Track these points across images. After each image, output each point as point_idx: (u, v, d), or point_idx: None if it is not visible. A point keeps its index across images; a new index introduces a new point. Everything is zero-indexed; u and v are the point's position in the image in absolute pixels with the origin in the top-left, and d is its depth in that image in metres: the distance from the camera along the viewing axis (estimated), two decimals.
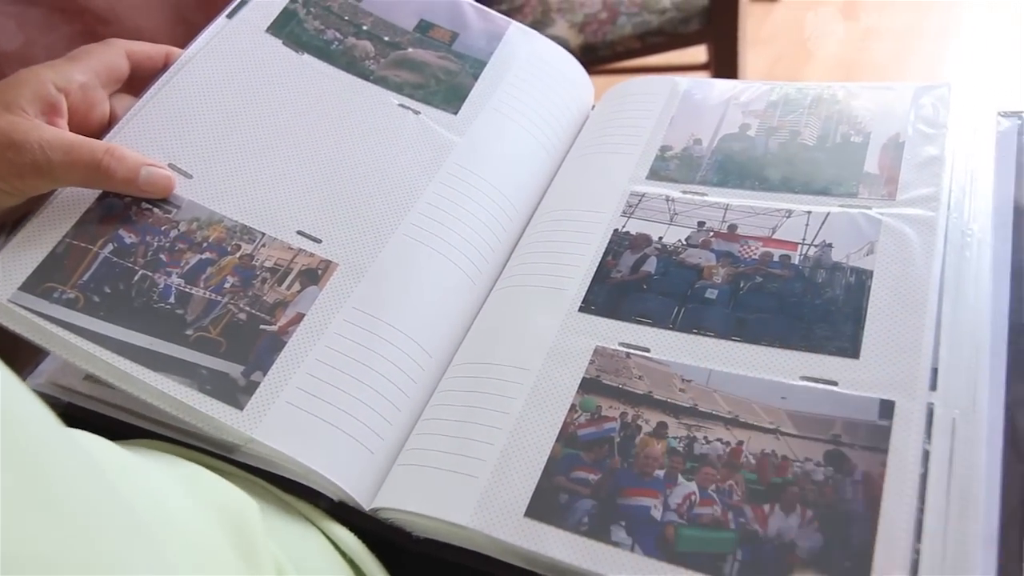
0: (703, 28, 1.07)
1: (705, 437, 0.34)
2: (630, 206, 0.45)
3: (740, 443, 0.33)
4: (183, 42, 0.47)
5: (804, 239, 0.41)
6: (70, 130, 0.39)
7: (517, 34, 0.53)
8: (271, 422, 0.36)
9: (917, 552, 0.28)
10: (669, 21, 1.05)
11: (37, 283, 0.37)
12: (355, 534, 0.36)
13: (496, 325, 0.42)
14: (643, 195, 0.45)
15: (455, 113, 0.48)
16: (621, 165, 0.48)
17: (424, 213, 0.44)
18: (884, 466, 0.31)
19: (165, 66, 0.45)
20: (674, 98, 0.51)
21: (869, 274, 0.37)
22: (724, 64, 1.10)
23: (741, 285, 0.39)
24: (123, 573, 0.19)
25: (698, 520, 0.31)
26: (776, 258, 0.40)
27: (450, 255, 0.43)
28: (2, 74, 0.51)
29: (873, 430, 0.32)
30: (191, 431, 0.37)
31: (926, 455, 0.31)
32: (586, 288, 0.41)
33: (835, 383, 0.34)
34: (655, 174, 0.46)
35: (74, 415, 0.39)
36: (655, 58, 1.19)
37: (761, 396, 0.34)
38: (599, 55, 1.09)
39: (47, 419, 0.20)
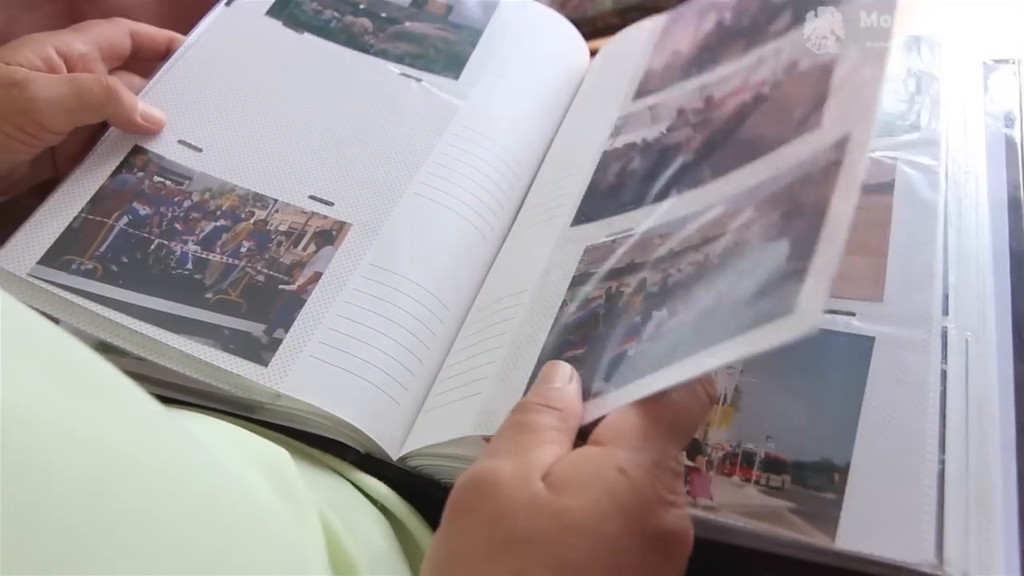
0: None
1: (678, 269, 0.34)
2: (617, 128, 0.46)
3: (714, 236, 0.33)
4: (170, 20, 0.47)
5: None
6: None
7: (511, 1, 0.53)
8: (296, 376, 0.36)
9: (942, 463, 0.29)
10: None
11: (55, 257, 0.37)
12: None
13: (503, 270, 0.43)
14: (628, 115, 0.46)
15: (456, 78, 0.49)
16: (611, 102, 0.49)
17: (433, 172, 0.44)
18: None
19: (168, 52, 0.45)
20: (655, 31, 0.53)
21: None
22: None
23: (715, 139, 0.39)
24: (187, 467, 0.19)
25: (660, 337, 0.31)
26: (749, 99, 0.40)
27: (460, 211, 0.44)
28: None
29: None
30: (212, 395, 0.38)
31: (943, 375, 0.32)
32: (577, 206, 0.42)
33: None
34: (640, 93, 0.47)
35: None
36: None
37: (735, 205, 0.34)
38: (580, 31, 1.09)
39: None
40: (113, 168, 0.41)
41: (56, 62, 0.39)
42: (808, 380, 0.33)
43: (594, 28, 1.16)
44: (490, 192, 0.45)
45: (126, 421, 0.18)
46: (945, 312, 0.34)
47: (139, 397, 0.19)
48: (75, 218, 0.39)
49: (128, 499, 0.16)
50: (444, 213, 0.43)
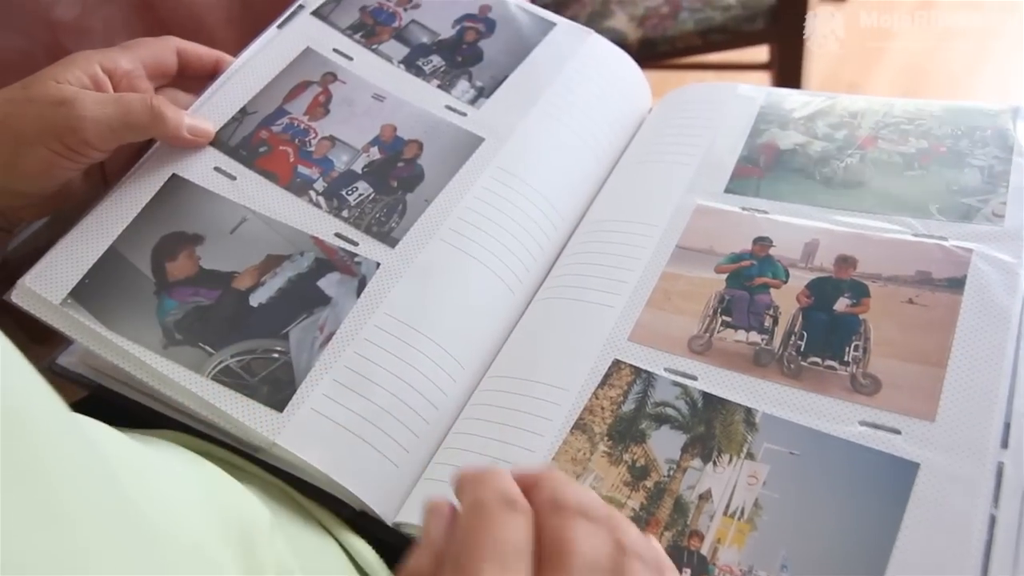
0: (768, 27, 1.02)
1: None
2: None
3: None
4: (239, 19, 0.46)
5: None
6: None
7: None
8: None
9: None
10: (733, 19, 1.01)
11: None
12: (377, 543, 0.35)
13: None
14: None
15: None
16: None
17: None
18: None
19: (215, 72, 0.45)
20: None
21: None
22: (788, 66, 1.06)
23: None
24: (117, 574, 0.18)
25: None
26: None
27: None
28: (60, 44, 0.51)
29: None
30: (220, 429, 0.37)
31: (992, 521, 0.28)
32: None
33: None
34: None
35: (103, 397, 0.39)
36: (714, 56, 1.14)
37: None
38: (657, 50, 1.05)
39: (53, 407, 0.19)
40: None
41: (102, 79, 0.40)
42: (838, 502, 0.30)
43: (673, 47, 1.13)
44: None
45: (83, 547, 0.17)
46: (1004, 444, 0.30)
47: (104, 509, 0.19)
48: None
49: None
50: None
